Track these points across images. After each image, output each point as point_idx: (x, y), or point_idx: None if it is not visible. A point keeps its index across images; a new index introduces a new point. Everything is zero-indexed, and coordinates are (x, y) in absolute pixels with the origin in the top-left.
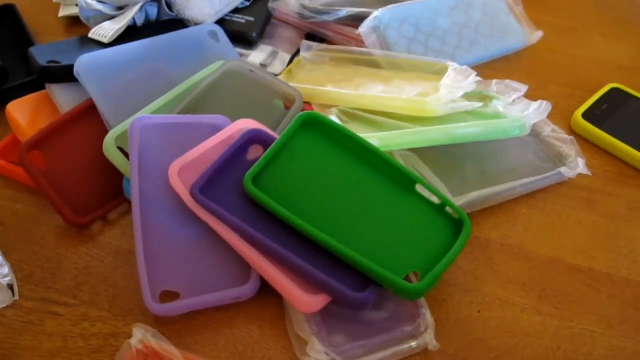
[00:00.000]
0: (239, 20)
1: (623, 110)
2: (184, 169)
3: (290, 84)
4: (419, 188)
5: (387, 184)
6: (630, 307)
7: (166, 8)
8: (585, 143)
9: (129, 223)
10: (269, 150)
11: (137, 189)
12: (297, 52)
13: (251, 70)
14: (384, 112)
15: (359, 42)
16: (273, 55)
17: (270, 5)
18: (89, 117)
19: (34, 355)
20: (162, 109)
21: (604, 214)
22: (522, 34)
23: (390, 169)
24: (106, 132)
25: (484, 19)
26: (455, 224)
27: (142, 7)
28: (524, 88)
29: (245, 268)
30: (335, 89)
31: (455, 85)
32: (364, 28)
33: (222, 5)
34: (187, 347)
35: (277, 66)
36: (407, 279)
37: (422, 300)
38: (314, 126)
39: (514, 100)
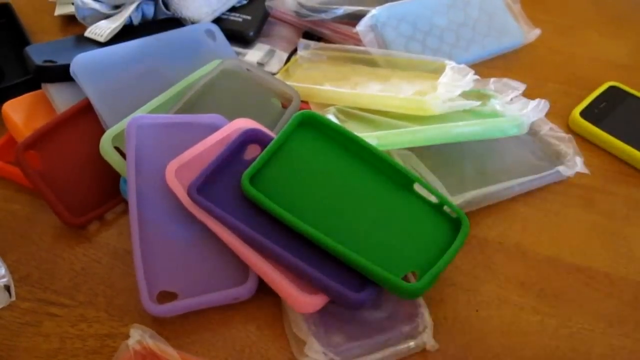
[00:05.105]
0: (236, 18)
1: (621, 108)
2: (181, 169)
3: (288, 83)
4: (417, 187)
5: (384, 183)
6: (629, 306)
7: (163, 7)
8: (583, 141)
9: (126, 223)
10: (266, 149)
11: (134, 189)
12: (295, 51)
13: (248, 69)
14: (382, 110)
15: (357, 41)
16: (270, 53)
17: (268, 3)
18: (86, 116)
19: (31, 356)
20: (159, 109)
21: (602, 213)
22: (519, 32)
23: (388, 168)
24: (103, 131)
25: (482, 17)
26: (453, 223)
27: (138, 5)
28: (521, 86)
29: (243, 268)
30: (333, 87)
31: (452, 83)
32: (361, 26)
33: (219, 3)
34: (184, 348)
35: (274, 65)
36: (405, 278)
37: (420, 300)
38: (312, 125)
39: (511, 99)
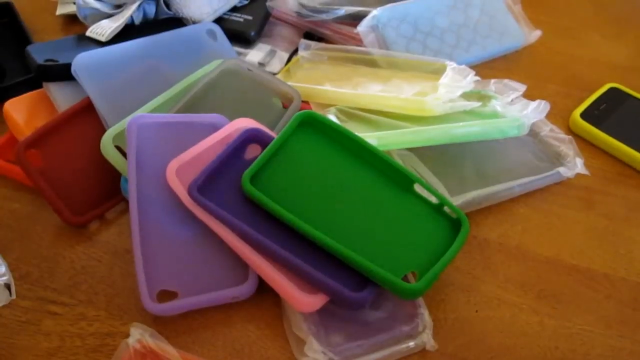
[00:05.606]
0: (237, 18)
1: (621, 109)
2: (182, 168)
3: (289, 83)
4: (417, 188)
5: (385, 183)
6: (628, 307)
7: (164, 6)
8: (584, 143)
9: (127, 222)
10: (266, 149)
11: (134, 188)
12: (296, 51)
13: (249, 69)
14: (382, 111)
15: (358, 41)
16: (271, 54)
17: (269, 3)
18: (87, 115)
19: (31, 354)
20: (160, 108)
21: (602, 214)
22: (520, 33)
23: (388, 169)
24: (104, 130)
25: (483, 18)
26: (454, 224)
27: (139, 5)
28: (522, 87)
29: (243, 267)
30: (334, 88)
31: (453, 84)
32: (362, 27)
33: (220, 3)
34: (184, 347)
35: (275, 65)
36: (405, 278)
37: (420, 300)
38: (312, 125)
39: (512, 100)
